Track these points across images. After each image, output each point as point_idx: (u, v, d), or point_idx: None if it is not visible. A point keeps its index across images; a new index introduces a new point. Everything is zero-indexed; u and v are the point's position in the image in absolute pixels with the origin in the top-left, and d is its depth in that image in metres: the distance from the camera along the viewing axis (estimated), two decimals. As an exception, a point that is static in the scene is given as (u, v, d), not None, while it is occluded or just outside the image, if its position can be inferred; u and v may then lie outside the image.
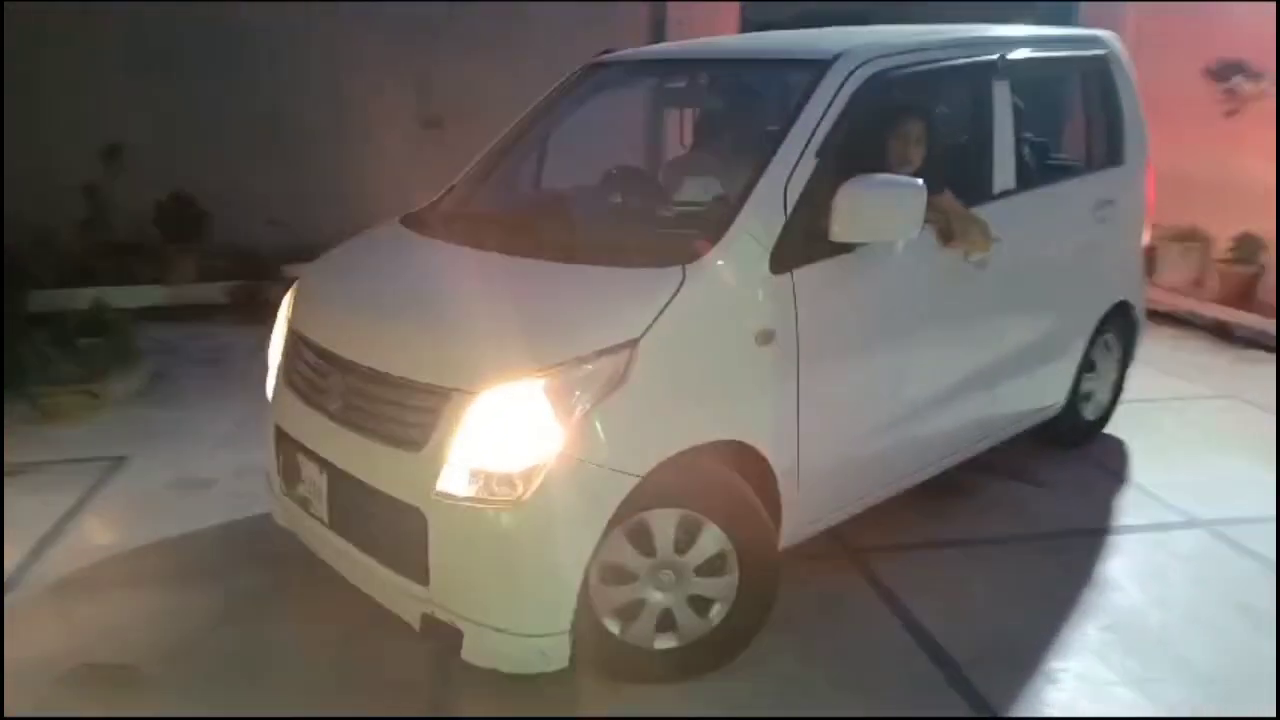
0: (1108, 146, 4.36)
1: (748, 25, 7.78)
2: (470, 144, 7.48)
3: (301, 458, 2.88)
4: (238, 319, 6.51)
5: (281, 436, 3.04)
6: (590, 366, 2.43)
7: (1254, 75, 6.95)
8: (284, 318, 3.23)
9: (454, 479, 2.44)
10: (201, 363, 5.77)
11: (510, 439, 2.41)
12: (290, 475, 2.99)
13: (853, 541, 3.51)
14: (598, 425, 2.43)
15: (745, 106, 3.98)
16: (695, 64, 4.15)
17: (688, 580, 2.69)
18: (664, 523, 2.61)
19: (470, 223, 3.40)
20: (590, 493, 2.45)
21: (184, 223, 7.04)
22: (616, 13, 7.62)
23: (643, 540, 2.61)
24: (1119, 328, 4.50)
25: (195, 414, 4.87)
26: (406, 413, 2.55)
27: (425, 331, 2.69)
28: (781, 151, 2.83)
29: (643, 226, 3.27)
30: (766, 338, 2.72)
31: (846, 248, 2.86)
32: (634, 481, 2.47)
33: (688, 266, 2.61)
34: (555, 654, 2.51)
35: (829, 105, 2.93)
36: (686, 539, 2.65)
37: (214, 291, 6.93)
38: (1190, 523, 3.81)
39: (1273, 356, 6.38)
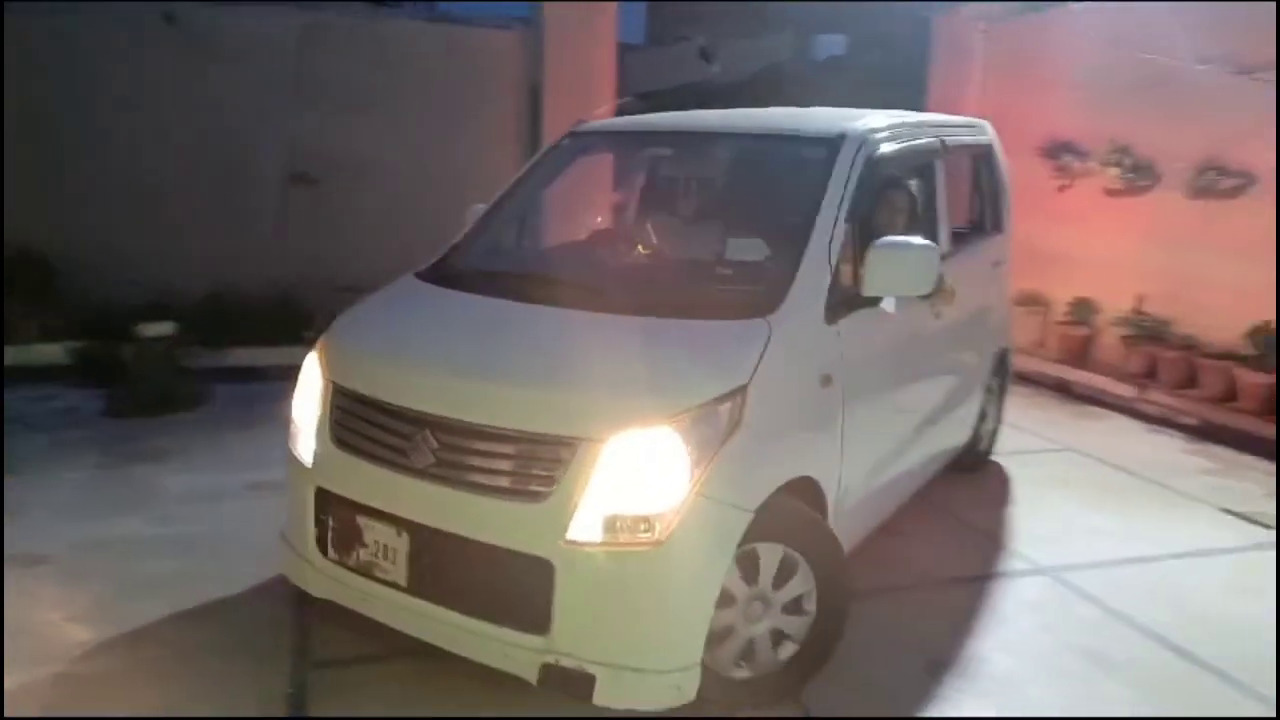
0: (994, 215, 5.13)
1: (625, 73, 7.91)
2: (343, 202, 7.41)
3: (367, 521, 2.83)
4: (82, 380, 6.13)
5: (331, 501, 2.94)
6: (716, 410, 2.62)
7: (1081, 154, 7.61)
8: (318, 377, 3.12)
9: (585, 526, 2.53)
10: (37, 429, 5.39)
11: (646, 483, 2.54)
12: (345, 542, 2.90)
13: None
14: (723, 465, 2.59)
15: (742, 176, 4.25)
16: (694, 136, 4.20)
17: (774, 614, 2.86)
18: (770, 556, 2.81)
19: (525, 280, 3.46)
20: (719, 529, 2.62)
21: (29, 281, 6.61)
22: (483, 44, 7.65)
23: (749, 570, 2.79)
24: (1000, 368, 5.25)
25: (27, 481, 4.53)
26: (525, 465, 2.61)
27: (538, 385, 2.73)
28: (821, 218, 3.19)
29: (712, 283, 3.43)
30: (827, 381, 3.06)
31: (873, 301, 3.26)
32: (750, 517, 2.66)
33: (770, 318, 2.89)
34: (688, 687, 2.61)
35: (848, 176, 3.33)
36: (781, 575, 2.85)
37: (57, 352, 6.49)
38: (1035, 570, 4.04)
39: (1105, 411, 6.90)
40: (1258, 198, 6.39)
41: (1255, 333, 6.16)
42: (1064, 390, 7.44)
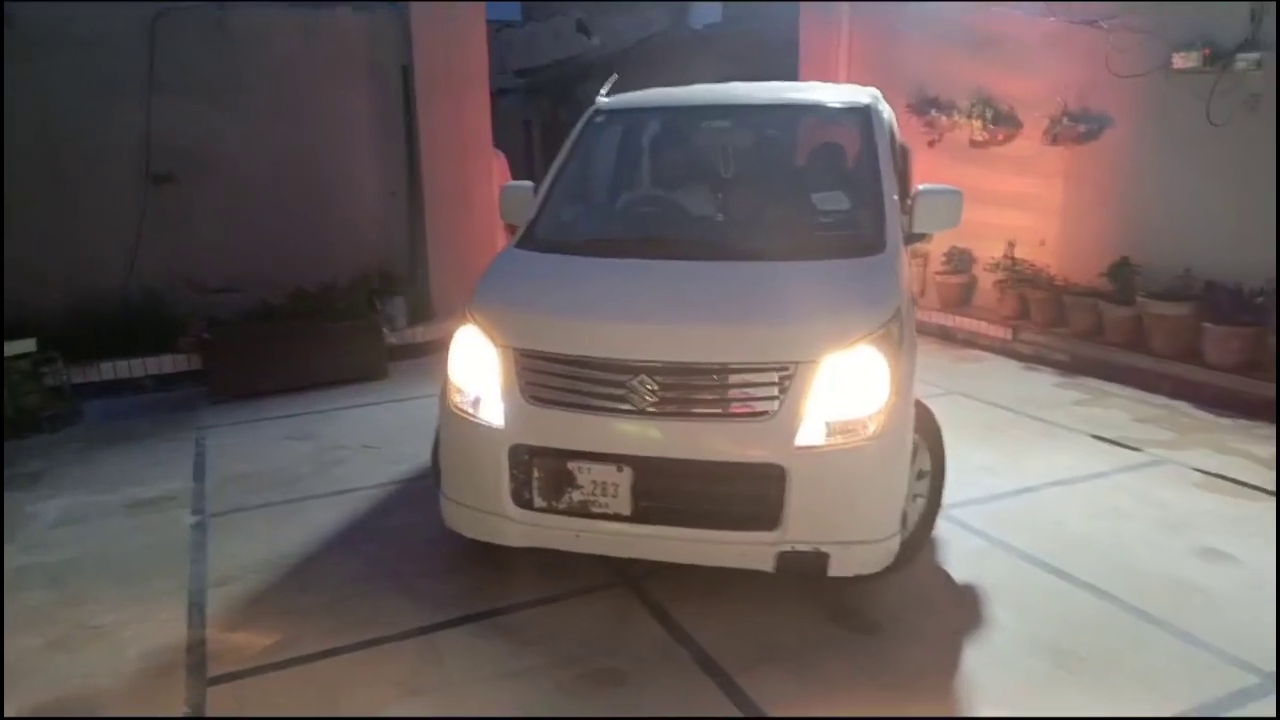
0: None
1: (503, 50, 7.76)
2: (206, 200, 7.08)
3: (581, 464, 3.14)
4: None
5: (533, 454, 3.19)
6: (890, 330, 3.17)
7: (946, 108, 7.88)
8: (488, 345, 3.32)
9: (811, 433, 3.03)
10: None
11: (859, 391, 3.08)
12: (555, 488, 3.17)
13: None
14: (903, 372, 3.17)
15: (773, 143, 4.79)
16: (737, 108, 4.66)
17: (913, 484, 3.46)
18: (918, 444, 3.45)
19: (654, 241, 3.87)
20: (907, 421, 3.22)
21: None
22: (344, 27, 7.37)
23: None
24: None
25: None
26: (750, 390, 3.07)
27: (750, 324, 3.19)
28: (883, 170, 3.86)
29: (821, 230, 3.92)
30: (914, 301, 3.66)
31: (920, 236, 3.88)
32: (914, 410, 3.29)
33: (884, 254, 3.51)
34: (895, 548, 3.20)
35: (886, 136, 4.03)
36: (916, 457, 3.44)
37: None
38: (926, 511, 4.20)
39: (984, 353, 7.22)
40: (1110, 140, 6.75)
41: (1114, 269, 6.52)
42: (946, 336, 7.75)
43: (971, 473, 4.61)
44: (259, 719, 2.78)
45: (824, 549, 3.06)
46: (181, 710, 2.86)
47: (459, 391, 3.40)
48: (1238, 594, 3.43)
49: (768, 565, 3.09)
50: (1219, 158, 6.03)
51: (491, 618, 3.35)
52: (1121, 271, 6.48)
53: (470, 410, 3.34)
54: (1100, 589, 3.48)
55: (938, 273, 8.04)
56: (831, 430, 3.04)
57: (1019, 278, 7.27)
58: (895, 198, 3.82)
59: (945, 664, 3.03)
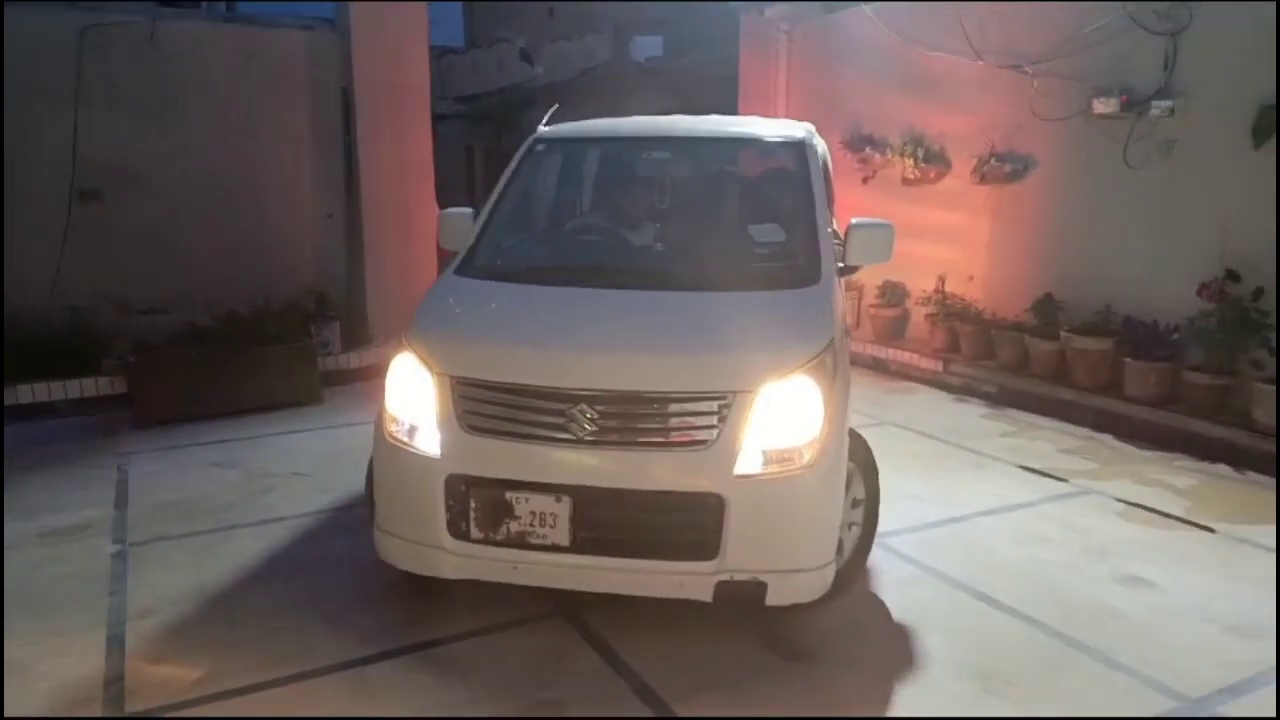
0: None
1: (446, 75, 7.76)
2: (134, 218, 6.89)
3: (519, 495, 3.09)
4: None
5: (469, 484, 3.13)
6: (824, 359, 3.22)
7: (879, 146, 8.11)
8: (424, 374, 3.26)
9: (749, 462, 3.04)
10: None
11: (795, 420, 3.11)
12: (492, 519, 3.11)
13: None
14: (837, 400, 3.22)
15: (712, 174, 4.79)
16: (669, 140, 4.73)
17: (848, 513, 3.53)
18: (852, 472, 3.52)
19: (592, 270, 3.86)
20: (842, 449, 3.27)
21: None
22: (282, 47, 7.29)
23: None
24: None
25: None
26: (689, 419, 3.08)
27: (688, 353, 3.22)
28: (818, 204, 3.95)
29: (757, 261, 3.98)
30: (848, 332, 3.78)
31: (853, 269, 3.93)
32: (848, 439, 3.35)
33: (820, 285, 3.58)
34: (830, 576, 3.23)
35: (820, 170, 4.16)
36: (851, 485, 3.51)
37: None
38: (861, 539, 4.26)
39: (916, 385, 7.39)
40: (1035, 180, 7.02)
41: (1038, 305, 6.75)
42: (880, 368, 7.91)
43: (904, 501, 4.70)
44: (269, 719, 2.66)
45: (762, 578, 3.07)
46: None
47: (394, 420, 3.33)
48: (1156, 619, 3.55)
49: (706, 595, 3.08)
50: (1136, 199, 6.32)
51: (426, 649, 3.28)
52: (1045, 307, 6.72)
53: (406, 439, 3.28)
54: (1027, 615, 3.57)
55: (872, 306, 8.23)
56: (768, 459, 3.07)
57: (949, 312, 7.48)
58: (830, 230, 3.90)
59: (878, 689, 3.07)
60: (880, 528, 4.33)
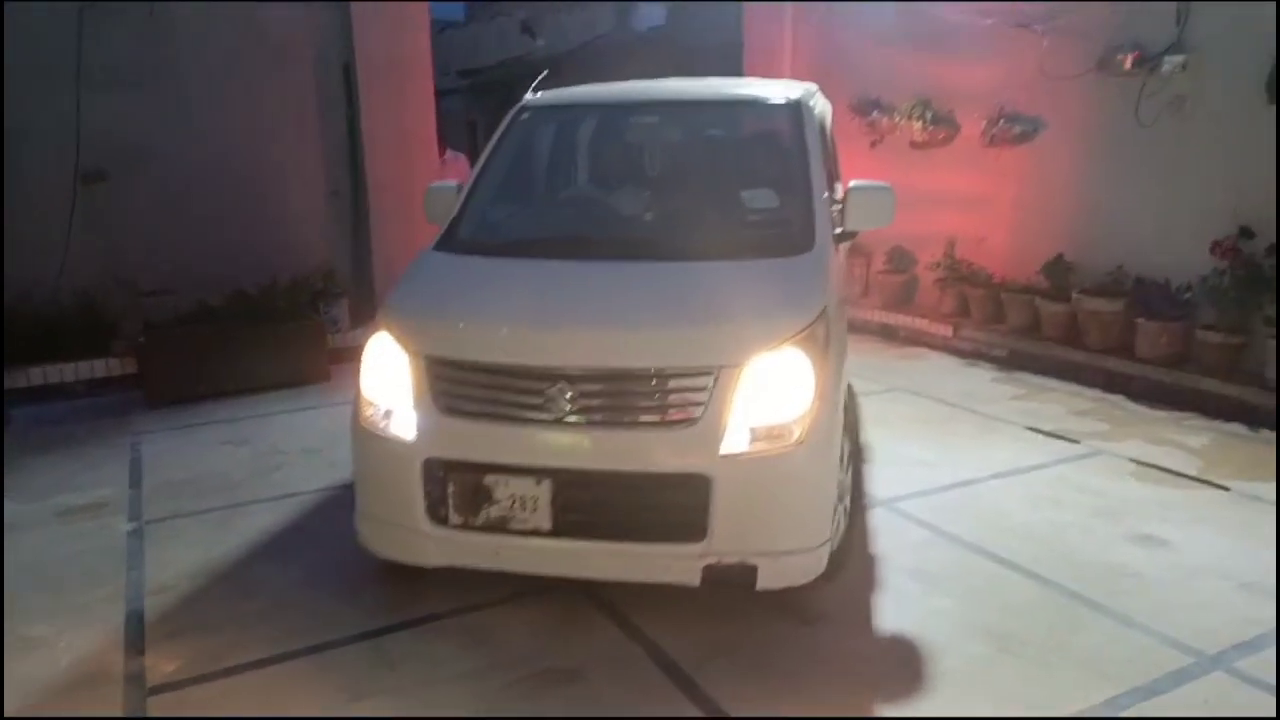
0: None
1: (448, 49, 7.71)
2: (138, 198, 6.87)
3: (498, 478, 2.98)
4: None
5: (447, 468, 3.04)
6: (815, 330, 3.08)
7: (887, 109, 8.01)
8: (399, 354, 3.17)
9: (735, 440, 2.91)
10: None
11: (784, 395, 2.97)
12: (470, 503, 3.02)
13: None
14: (829, 373, 3.08)
15: (713, 137, 4.71)
16: (660, 104, 4.57)
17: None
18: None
19: (575, 242, 3.77)
20: (835, 423, 3.14)
21: None
22: (282, 22, 7.19)
23: None
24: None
25: None
26: (672, 397, 2.95)
27: (671, 327, 3.08)
28: (813, 168, 3.79)
29: (749, 228, 3.87)
30: (845, 301, 3.67)
31: (851, 234, 3.82)
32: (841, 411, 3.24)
33: (813, 252, 3.43)
34: (825, 557, 3.11)
35: (816, 132, 3.99)
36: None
37: None
38: (872, 504, 4.25)
39: (926, 350, 7.36)
40: (1045, 142, 6.93)
41: (1049, 266, 6.69)
42: (889, 335, 7.87)
43: (914, 466, 4.69)
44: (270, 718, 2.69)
45: (751, 561, 2.96)
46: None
47: (370, 404, 3.24)
48: (1171, 578, 3.55)
49: (693, 579, 2.98)
50: (1148, 157, 6.23)
51: (439, 620, 3.30)
52: (1056, 269, 6.66)
53: (382, 423, 3.19)
54: (1040, 575, 3.57)
55: (880, 272, 8.17)
56: (756, 436, 2.94)
57: (958, 276, 7.42)
58: (825, 195, 3.75)
59: (891, 652, 3.08)
60: (890, 492, 4.35)
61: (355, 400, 3.32)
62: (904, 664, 3.00)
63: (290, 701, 2.84)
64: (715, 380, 2.93)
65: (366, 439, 3.25)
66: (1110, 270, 6.34)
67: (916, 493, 4.37)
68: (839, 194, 4.07)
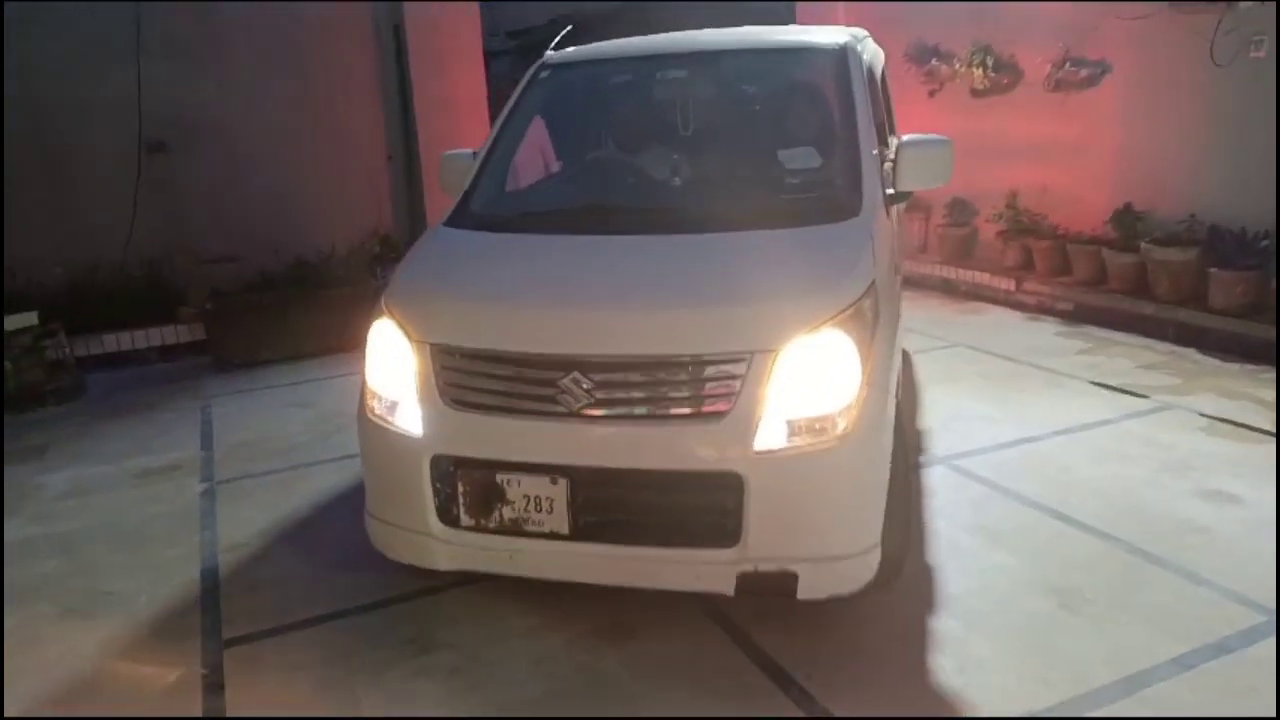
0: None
1: (495, 9, 7.68)
2: (199, 168, 7.02)
3: (511, 476, 2.74)
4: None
5: (456, 465, 2.81)
6: (862, 307, 2.73)
7: (946, 57, 7.76)
8: (403, 342, 2.92)
9: (771, 435, 2.60)
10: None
11: (825, 383, 2.64)
12: (482, 504, 2.79)
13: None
14: (878, 356, 2.74)
15: (737, 93, 4.29)
16: (688, 56, 4.19)
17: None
18: None
19: (595, 213, 3.46)
20: (885, 414, 2.75)
21: None
22: (333, 10, 7.27)
23: None
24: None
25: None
26: (699, 386, 2.65)
27: (696, 308, 2.75)
28: (860, 123, 3.41)
29: (788, 192, 3.53)
30: (897, 268, 3.36)
31: (904, 195, 3.42)
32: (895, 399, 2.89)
33: (859, 218, 3.07)
34: (875, 563, 2.74)
35: (864, 82, 3.61)
36: None
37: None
38: (932, 461, 4.20)
39: (988, 305, 7.19)
40: (1113, 85, 6.65)
41: (1117, 216, 6.46)
42: (949, 290, 7.71)
43: (975, 422, 4.62)
44: (277, 718, 2.74)
45: (791, 568, 2.66)
46: (198, 671, 2.90)
47: (375, 395, 3.01)
48: (1242, 533, 3.44)
49: (727, 588, 2.69)
50: (1223, 100, 5.95)
51: (497, 579, 3.36)
52: (1125, 218, 6.43)
53: (387, 417, 2.96)
54: (1104, 531, 3.49)
55: (939, 225, 7.98)
56: (795, 430, 2.62)
57: (1021, 228, 7.21)
58: (875, 152, 3.38)
59: (950, 608, 3.05)
60: (951, 449, 4.29)
61: (360, 391, 3.12)
62: (964, 620, 2.98)
63: (356, 655, 2.94)
64: (748, 368, 2.61)
65: (372, 432, 3.03)
66: (1182, 219, 6.09)
67: (976, 449, 4.30)
68: (892, 150, 3.74)
